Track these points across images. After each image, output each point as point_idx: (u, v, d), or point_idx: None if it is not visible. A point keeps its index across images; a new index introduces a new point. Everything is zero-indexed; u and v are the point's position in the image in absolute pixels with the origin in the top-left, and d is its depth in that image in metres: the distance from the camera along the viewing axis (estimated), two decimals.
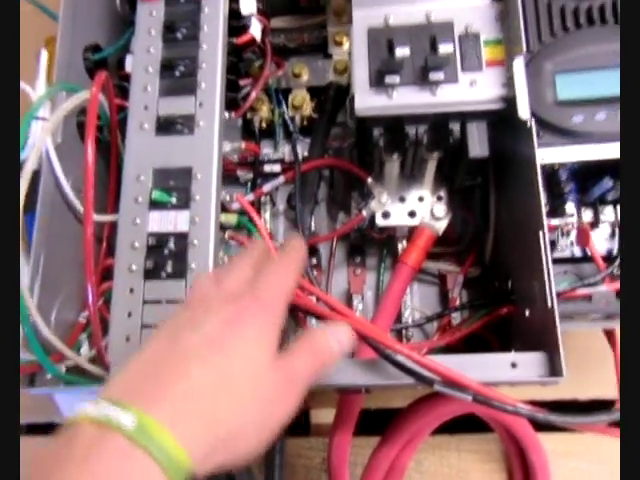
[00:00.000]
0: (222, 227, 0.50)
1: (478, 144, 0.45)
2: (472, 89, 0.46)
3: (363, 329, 0.37)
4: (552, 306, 0.38)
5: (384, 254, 0.60)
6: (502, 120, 0.45)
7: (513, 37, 0.45)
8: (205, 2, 0.51)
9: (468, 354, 0.40)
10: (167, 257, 0.45)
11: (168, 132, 0.48)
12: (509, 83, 0.45)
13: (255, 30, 0.55)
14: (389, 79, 0.46)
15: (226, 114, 0.53)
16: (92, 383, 0.44)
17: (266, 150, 0.64)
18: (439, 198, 0.53)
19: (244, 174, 0.62)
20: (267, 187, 0.58)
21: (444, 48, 0.47)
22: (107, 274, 0.48)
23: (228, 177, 0.61)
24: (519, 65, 0.43)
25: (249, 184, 0.61)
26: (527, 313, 0.44)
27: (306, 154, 0.61)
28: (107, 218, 0.50)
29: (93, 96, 0.41)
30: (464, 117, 0.45)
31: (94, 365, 0.44)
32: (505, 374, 0.39)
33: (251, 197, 0.57)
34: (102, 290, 0.47)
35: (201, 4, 0.51)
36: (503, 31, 0.47)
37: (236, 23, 0.54)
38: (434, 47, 0.47)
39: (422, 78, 0.46)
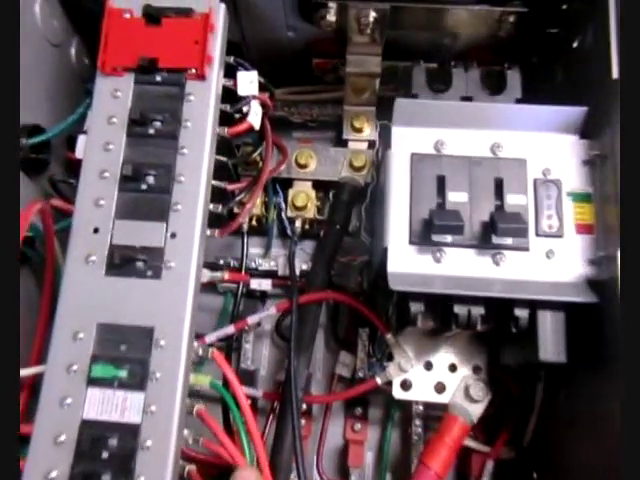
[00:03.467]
0: (190, 392, 0.36)
1: (551, 344, 0.33)
2: (548, 263, 0.34)
3: None
4: None
5: (393, 408, 0.47)
6: (586, 313, 0.33)
7: (611, 194, 0.33)
8: (191, 86, 0.37)
9: None
10: (105, 464, 0.32)
11: (124, 272, 0.35)
12: (601, 261, 0.33)
13: (254, 117, 0.42)
14: (437, 236, 0.33)
15: (207, 231, 0.39)
16: None
17: (254, 250, 0.51)
18: (476, 369, 0.41)
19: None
20: (252, 319, 0.45)
21: (514, 199, 0.34)
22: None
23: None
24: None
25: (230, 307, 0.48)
26: None
27: (305, 267, 0.48)
28: (29, 372, 0.36)
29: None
30: (535, 303, 0.33)
31: None
32: None
33: (231, 330, 0.44)
34: None
35: (185, 88, 0.37)
36: (595, 183, 0.35)
37: (230, 107, 0.41)
38: (500, 195, 0.34)
39: (482, 240, 0.34)
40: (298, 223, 0.49)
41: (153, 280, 0.34)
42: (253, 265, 0.50)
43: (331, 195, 0.50)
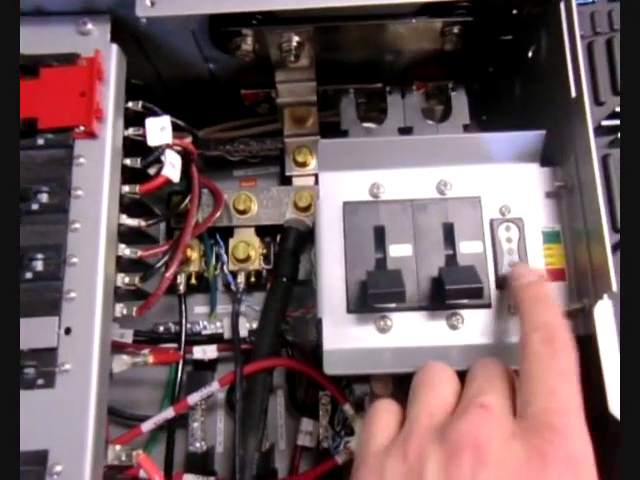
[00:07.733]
0: None
1: None
2: (515, 320, 0.28)
3: None
4: None
5: None
6: None
7: (582, 232, 0.27)
8: (80, 146, 0.32)
9: None
10: None
11: None
12: (575, 314, 0.27)
13: (170, 169, 0.36)
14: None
15: (124, 310, 0.33)
16: None
17: (200, 309, 0.46)
18: None
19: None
20: (194, 397, 0.39)
21: (468, 247, 0.29)
22: None
23: None
24: (605, 308, 0.25)
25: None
26: None
27: (255, 325, 0.43)
28: None
29: None
30: None
31: None
32: None
33: (170, 413, 0.38)
34: None
35: (73, 150, 0.32)
36: (563, 219, 0.29)
37: (141, 161, 0.35)
38: (452, 243, 0.29)
39: (434, 300, 0.28)
40: (241, 278, 0.43)
41: (45, 390, 0.28)
42: (197, 328, 0.44)
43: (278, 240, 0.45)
